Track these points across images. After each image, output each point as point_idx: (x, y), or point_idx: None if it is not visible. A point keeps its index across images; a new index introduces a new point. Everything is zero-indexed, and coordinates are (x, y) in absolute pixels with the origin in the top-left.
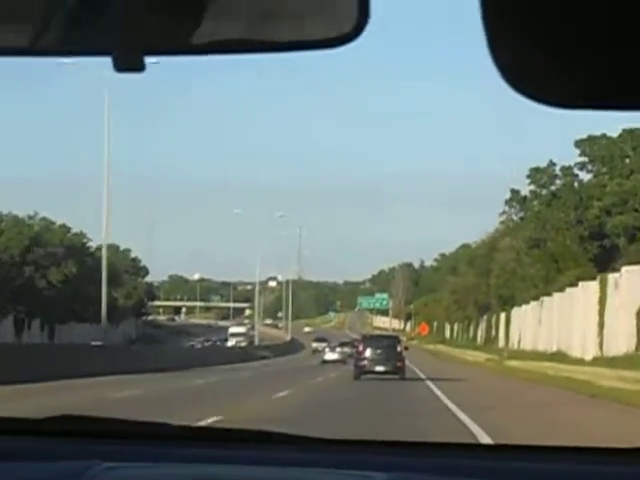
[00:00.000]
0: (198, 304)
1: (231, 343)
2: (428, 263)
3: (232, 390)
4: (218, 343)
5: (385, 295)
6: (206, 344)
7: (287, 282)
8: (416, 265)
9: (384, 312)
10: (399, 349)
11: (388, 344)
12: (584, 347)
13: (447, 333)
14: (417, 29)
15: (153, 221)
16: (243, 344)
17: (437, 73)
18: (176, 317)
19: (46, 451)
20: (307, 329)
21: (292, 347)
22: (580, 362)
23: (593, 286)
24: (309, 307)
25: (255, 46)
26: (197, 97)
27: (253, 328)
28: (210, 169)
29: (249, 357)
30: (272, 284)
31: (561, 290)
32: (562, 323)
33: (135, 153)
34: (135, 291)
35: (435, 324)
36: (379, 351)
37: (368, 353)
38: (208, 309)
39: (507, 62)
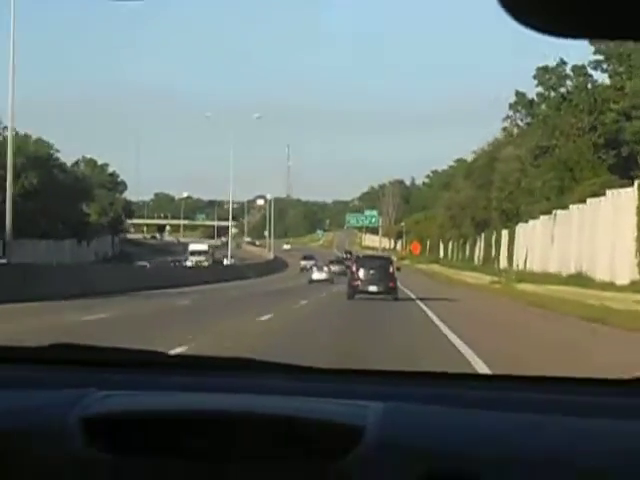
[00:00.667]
0: (182, 222)
1: (190, 263)
2: (419, 181)
3: (136, 331)
4: (185, 263)
5: (375, 212)
6: (176, 264)
7: (271, 200)
8: (407, 182)
9: (374, 230)
10: (391, 270)
11: (380, 265)
12: (613, 268)
13: (441, 252)
14: None
15: (142, 139)
16: (205, 264)
17: None
18: (157, 235)
19: (42, 379)
20: (286, 246)
21: (275, 266)
22: (610, 287)
23: (626, 194)
24: (298, 226)
25: None
26: (179, 9)
27: (223, 245)
28: (207, 89)
29: (216, 278)
30: (260, 202)
31: (581, 201)
32: (583, 240)
33: (118, 71)
34: (112, 207)
35: (428, 243)
36: (372, 271)
37: (361, 273)
38: (194, 228)
39: None
